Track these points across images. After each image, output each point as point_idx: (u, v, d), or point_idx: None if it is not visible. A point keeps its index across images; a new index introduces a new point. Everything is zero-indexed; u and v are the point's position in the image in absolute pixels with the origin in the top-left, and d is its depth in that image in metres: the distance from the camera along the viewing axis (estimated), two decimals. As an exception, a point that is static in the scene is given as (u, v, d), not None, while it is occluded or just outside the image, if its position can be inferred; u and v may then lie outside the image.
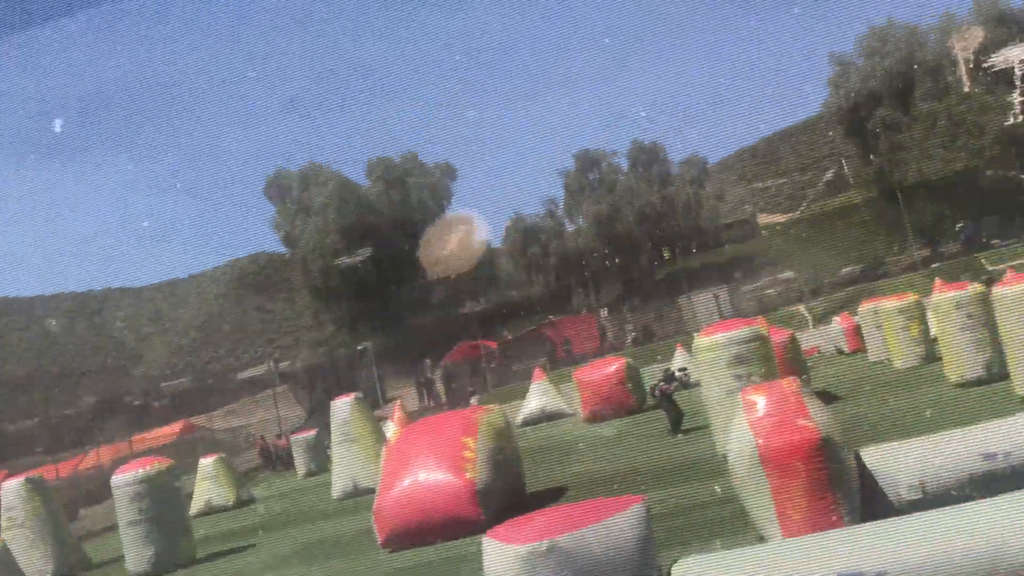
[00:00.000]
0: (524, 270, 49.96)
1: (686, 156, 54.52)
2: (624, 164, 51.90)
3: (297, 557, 13.55)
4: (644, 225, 46.77)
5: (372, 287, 45.17)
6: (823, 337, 29.57)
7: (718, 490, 10.39)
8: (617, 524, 5.83)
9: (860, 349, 25.09)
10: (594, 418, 23.18)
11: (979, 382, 14.55)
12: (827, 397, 17.20)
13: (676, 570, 5.99)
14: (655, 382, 18.76)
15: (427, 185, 49.02)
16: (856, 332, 25.78)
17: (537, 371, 28.83)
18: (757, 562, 5.90)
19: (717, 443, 12.86)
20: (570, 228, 51.63)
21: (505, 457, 13.21)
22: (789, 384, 8.67)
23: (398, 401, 28.38)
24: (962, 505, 6.06)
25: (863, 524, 6.61)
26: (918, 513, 6.36)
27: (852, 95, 42.23)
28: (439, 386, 38.87)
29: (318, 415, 30.54)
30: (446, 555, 11.15)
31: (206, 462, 24.21)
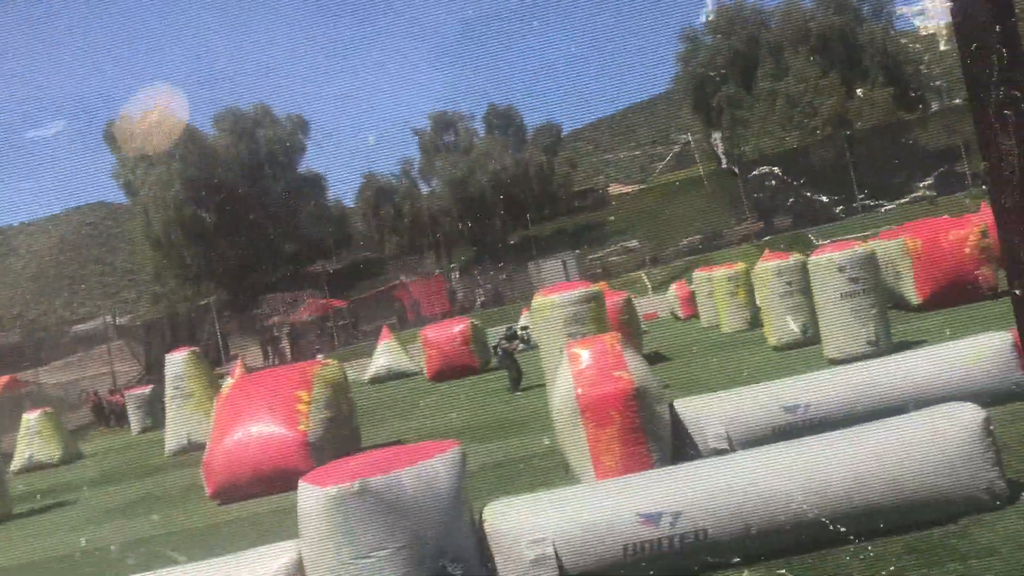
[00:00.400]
0: (376, 230, 49.44)
1: (541, 123, 55.16)
2: (480, 128, 52.06)
3: (120, 511, 13.14)
4: (498, 189, 47.12)
5: (218, 242, 43.70)
6: (661, 303, 30.76)
7: (547, 442, 10.72)
8: (432, 467, 5.94)
9: (694, 315, 26.24)
10: (439, 377, 23.41)
11: (795, 345, 15.54)
12: (658, 358, 18.00)
13: (487, 512, 6.22)
14: (498, 340, 19.13)
15: (278, 138, 47.62)
16: (690, 299, 26.92)
17: (384, 330, 28.77)
18: (562, 503, 6.19)
19: (551, 399, 13.25)
20: (424, 189, 51.45)
21: (340, 411, 13.19)
22: (610, 338, 9.02)
23: (239, 358, 27.71)
24: (751, 450, 6.54)
25: (663, 468, 7.01)
26: (714, 458, 6.82)
27: (699, 72, 43.76)
28: (285, 344, 38.17)
29: (156, 371, 29.44)
30: (275, 507, 11.06)
31: (30, 417, 23.03)
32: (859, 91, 38.59)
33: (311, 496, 5.88)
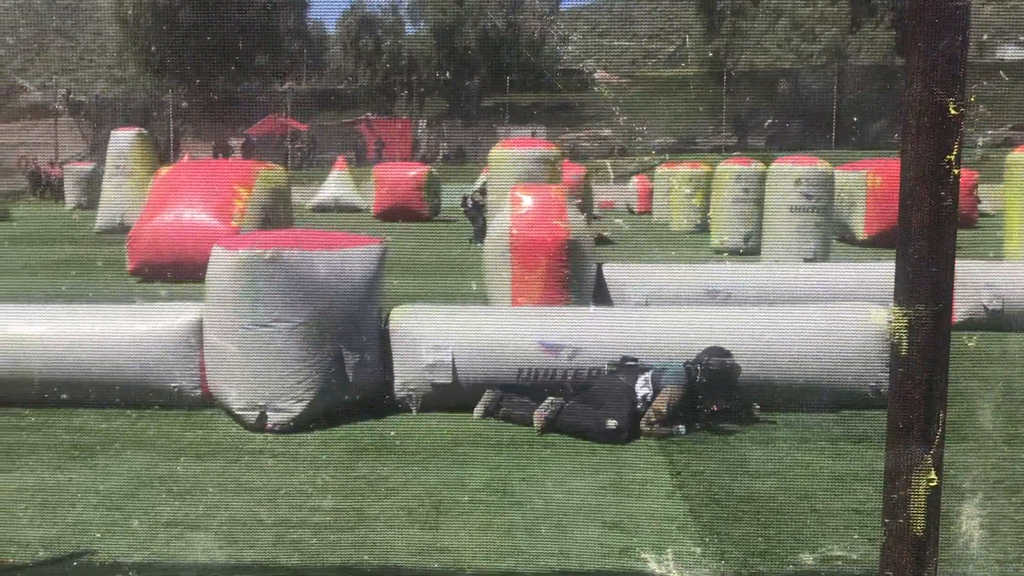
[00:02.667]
0: (352, 61, 48.03)
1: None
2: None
3: (34, 270, 13.00)
4: (484, 47, 45.86)
5: (190, 38, 42.02)
6: (620, 195, 30.67)
7: (474, 286, 10.78)
8: (348, 256, 5.92)
9: (648, 211, 26.28)
10: (385, 216, 23.24)
11: (735, 251, 15.67)
12: (600, 241, 18.05)
13: (395, 313, 6.25)
14: (473, 191, 18.94)
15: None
16: (648, 195, 26.89)
17: (339, 160, 28.28)
18: (471, 318, 6.23)
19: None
20: (410, 31, 49.85)
21: (277, 216, 13.02)
22: (556, 190, 9.00)
23: (186, 154, 27.08)
24: (663, 307, 6.63)
25: (574, 307, 7.09)
26: (626, 308, 6.91)
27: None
28: (237, 155, 37.36)
29: (101, 152, 28.72)
30: (195, 292, 11.00)
31: (-39, 166, 22.38)
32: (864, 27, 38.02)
33: (222, 258, 5.84)
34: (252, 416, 5.62)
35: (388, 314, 6.24)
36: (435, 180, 24.51)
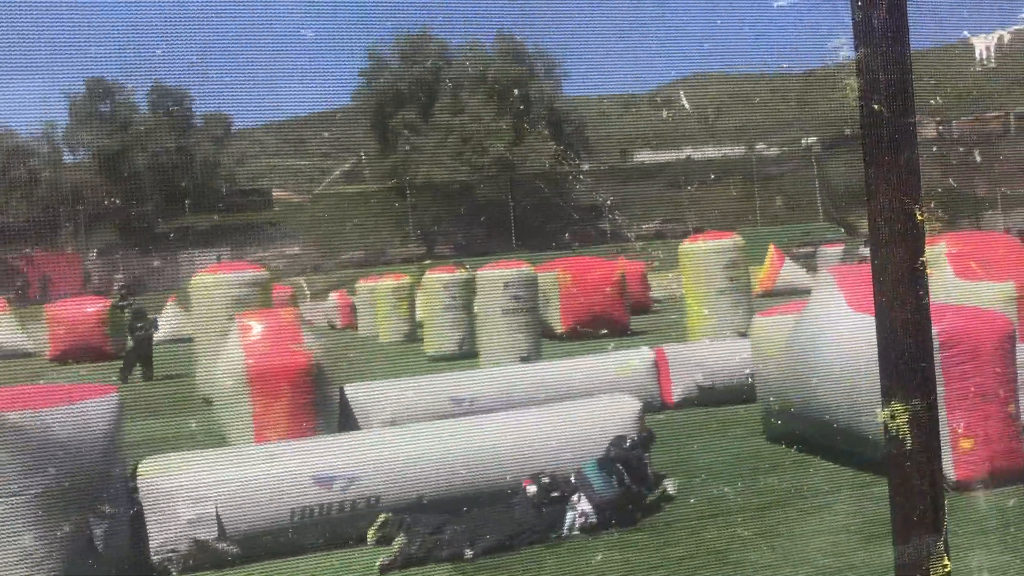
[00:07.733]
0: (2, 193, 43.80)
1: (210, 112, 52.26)
2: (143, 103, 48.24)
3: None
4: (156, 172, 43.89)
5: None
6: (319, 311, 30.31)
7: (193, 426, 10.10)
8: (86, 410, 5.31)
9: (351, 325, 26.19)
10: (63, 358, 21.17)
11: (451, 357, 16.01)
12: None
13: (143, 467, 5.67)
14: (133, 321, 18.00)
15: None
16: (351, 310, 26.87)
17: (0, 301, 25.42)
18: (230, 461, 5.81)
19: (197, 383, 12.65)
20: (69, 158, 46.60)
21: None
22: (288, 313, 8.75)
23: None
24: (429, 423, 6.61)
25: (341, 433, 6.85)
26: (392, 428, 6.79)
27: (382, 89, 44.43)
28: None
29: None
30: None
31: None
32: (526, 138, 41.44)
33: (-73, 431, 4.98)
34: (-19, 613, 4.76)
35: (134, 469, 5.63)
36: (119, 314, 22.79)
